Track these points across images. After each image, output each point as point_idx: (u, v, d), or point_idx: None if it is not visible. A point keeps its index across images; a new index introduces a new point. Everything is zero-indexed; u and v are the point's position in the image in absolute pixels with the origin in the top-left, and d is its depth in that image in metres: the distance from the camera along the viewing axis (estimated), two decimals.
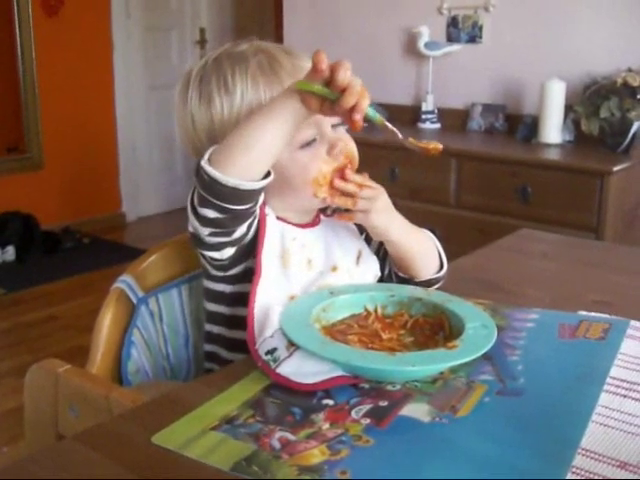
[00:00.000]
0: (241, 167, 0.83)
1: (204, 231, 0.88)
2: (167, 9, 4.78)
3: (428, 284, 1.04)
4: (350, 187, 0.95)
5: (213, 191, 0.84)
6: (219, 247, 0.92)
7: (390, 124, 0.89)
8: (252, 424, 0.72)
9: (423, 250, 1.04)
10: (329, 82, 0.80)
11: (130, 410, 0.79)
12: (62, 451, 0.71)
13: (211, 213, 0.85)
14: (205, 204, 0.85)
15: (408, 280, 1.05)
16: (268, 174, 0.87)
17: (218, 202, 0.84)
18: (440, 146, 0.95)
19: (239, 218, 0.88)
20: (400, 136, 0.90)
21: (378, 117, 0.88)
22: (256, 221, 0.94)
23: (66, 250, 3.96)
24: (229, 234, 0.89)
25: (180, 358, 1.14)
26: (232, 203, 0.84)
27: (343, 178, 0.95)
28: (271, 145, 0.85)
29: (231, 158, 0.84)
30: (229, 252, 0.93)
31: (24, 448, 1.03)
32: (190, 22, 4.89)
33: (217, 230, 0.88)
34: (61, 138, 4.23)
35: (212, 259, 0.95)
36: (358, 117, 0.82)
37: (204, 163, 0.84)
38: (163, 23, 4.76)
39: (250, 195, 0.85)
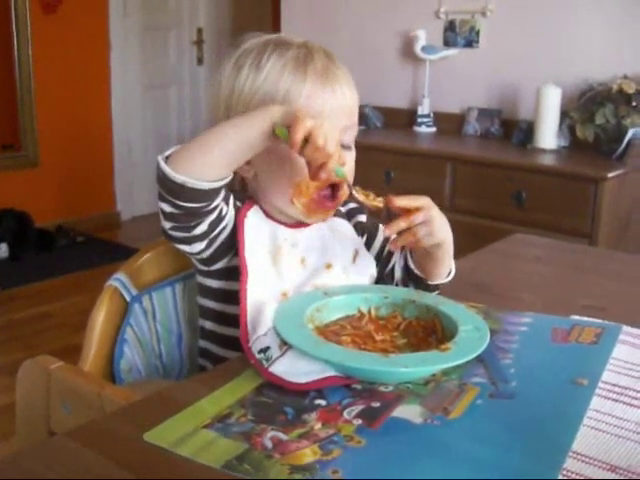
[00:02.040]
0: (195, 166, 0.85)
1: (166, 225, 0.91)
2: (165, 9, 4.78)
3: (436, 288, 1.02)
4: (402, 224, 0.89)
5: (165, 186, 0.86)
6: (186, 241, 0.93)
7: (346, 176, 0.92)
8: (244, 423, 0.72)
9: (451, 251, 0.99)
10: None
11: (122, 408, 0.79)
12: (54, 448, 0.71)
13: (167, 207, 0.88)
14: (161, 198, 0.88)
15: (421, 280, 1.02)
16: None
17: (170, 198, 0.86)
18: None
19: (194, 215, 0.89)
20: (353, 191, 0.93)
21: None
22: (225, 222, 0.94)
23: (60, 248, 3.95)
24: (188, 230, 0.91)
25: (173, 357, 1.14)
26: (183, 200, 0.86)
27: (388, 202, 0.89)
28: (231, 155, 0.86)
29: (187, 156, 0.85)
30: (199, 246, 0.94)
31: (16, 444, 1.02)
32: (188, 22, 4.89)
33: (176, 225, 0.90)
34: (57, 136, 4.23)
35: (187, 253, 0.97)
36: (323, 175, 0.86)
37: (160, 157, 0.86)
38: (161, 23, 4.76)
39: (200, 194, 0.86)
